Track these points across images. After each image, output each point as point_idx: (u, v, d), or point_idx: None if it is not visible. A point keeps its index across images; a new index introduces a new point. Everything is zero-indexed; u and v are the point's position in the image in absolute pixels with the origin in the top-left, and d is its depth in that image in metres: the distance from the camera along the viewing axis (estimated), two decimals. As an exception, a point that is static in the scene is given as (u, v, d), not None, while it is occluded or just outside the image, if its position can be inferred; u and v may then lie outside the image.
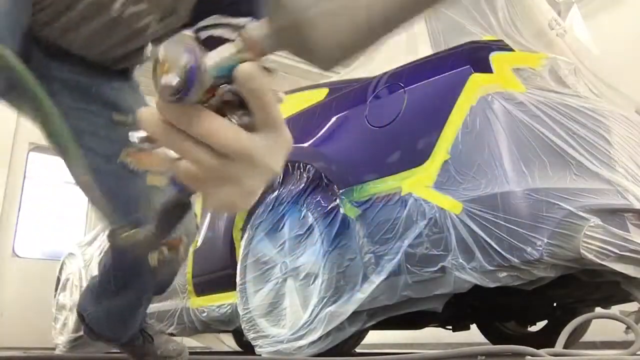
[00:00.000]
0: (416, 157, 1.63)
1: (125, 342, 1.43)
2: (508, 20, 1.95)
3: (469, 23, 1.86)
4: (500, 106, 1.52)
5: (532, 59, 1.68)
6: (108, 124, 1.23)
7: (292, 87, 2.88)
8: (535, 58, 1.69)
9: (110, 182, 1.15)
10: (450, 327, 2.65)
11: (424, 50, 1.96)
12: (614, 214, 1.44)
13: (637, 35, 3.32)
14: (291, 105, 2.43)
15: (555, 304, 2.45)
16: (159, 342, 1.45)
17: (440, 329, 2.73)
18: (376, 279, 1.62)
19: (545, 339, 2.60)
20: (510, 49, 1.68)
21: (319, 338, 1.76)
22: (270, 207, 2.12)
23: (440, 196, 1.55)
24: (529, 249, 1.41)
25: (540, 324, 2.67)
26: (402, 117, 1.71)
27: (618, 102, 1.80)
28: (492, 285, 1.48)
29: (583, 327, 2.54)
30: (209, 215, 2.49)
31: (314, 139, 1.99)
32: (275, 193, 2.11)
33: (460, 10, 1.94)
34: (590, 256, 1.40)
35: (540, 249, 1.39)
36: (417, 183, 1.60)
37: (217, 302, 2.35)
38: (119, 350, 1.52)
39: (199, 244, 2.51)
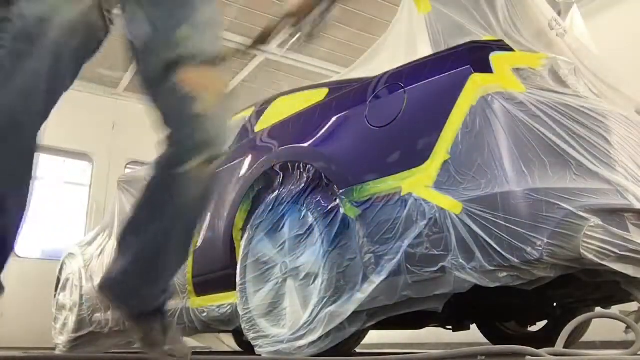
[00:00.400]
0: (416, 157, 1.63)
1: (150, 311, 1.40)
2: (508, 20, 1.95)
3: (469, 23, 1.86)
4: (500, 106, 1.52)
5: (532, 59, 1.68)
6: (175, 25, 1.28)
7: (292, 87, 2.89)
8: (535, 58, 1.69)
9: None
10: (450, 327, 2.66)
11: (424, 50, 1.96)
12: (613, 214, 1.44)
13: (637, 35, 3.32)
14: (291, 105, 2.43)
15: (555, 304, 2.45)
16: (170, 336, 1.44)
17: (440, 329, 2.73)
18: (376, 279, 1.62)
19: (545, 339, 2.60)
20: (511, 49, 1.68)
21: (319, 338, 1.76)
22: (270, 207, 2.12)
23: (440, 196, 1.55)
24: (529, 249, 1.40)
25: (541, 324, 2.68)
26: (402, 117, 1.71)
27: (618, 102, 1.80)
28: (492, 285, 1.48)
29: (583, 327, 2.54)
30: (208, 216, 2.49)
31: (314, 139, 1.99)
32: (275, 193, 2.11)
33: (460, 10, 1.93)
34: (590, 256, 1.40)
35: (540, 249, 1.39)
36: (417, 183, 1.60)
37: (217, 302, 2.35)
38: (118, 351, 1.51)
39: (198, 244, 2.51)
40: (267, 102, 2.74)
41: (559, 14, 2.18)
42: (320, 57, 6.22)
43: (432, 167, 1.58)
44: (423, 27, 1.99)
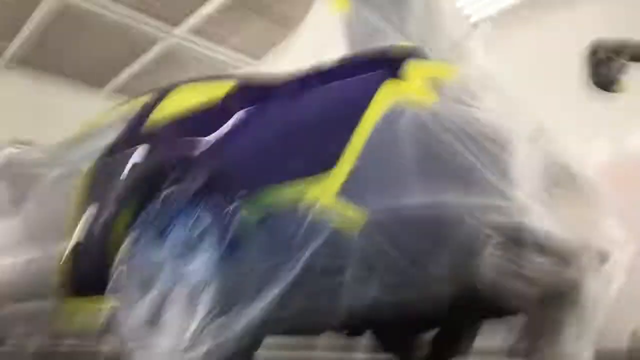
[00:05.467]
0: (322, 163, 1.53)
1: None
2: (424, 28, 1.92)
3: (387, 26, 1.80)
4: (412, 115, 1.46)
5: (447, 70, 1.65)
6: None
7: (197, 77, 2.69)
8: (450, 70, 1.66)
9: None
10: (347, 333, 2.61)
11: (339, 50, 1.87)
12: (514, 232, 1.44)
13: (543, 55, 3.51)
14: (192, 96, 2.24)
15: (454, 320, 2.48)
16: None
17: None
18: (272, 291, 1.51)
19: (435, 348, 2.64)
20: (427, 58, 1.64)
21: (208, 350, 1.62)
22: (161, 205, 1.92)
23: (345, 206, 1.47)
24: (432, 265, 1.37)
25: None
26: (311, 119, 1.61)
27: (521, 120, 1.83)
28: (393, 300, 1.43)
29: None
30: (89, 211, 2.23)
31: (215, 135, 1.82)
32: (168, 190, 1.91)
33: (378, 12, 1.87)
34: (490, 274, 1.39)
35: (443, 266, 1.36)
36: (322, 191, 1.51)
37: (94, 307, 2.11)
38: None
39: (74, 241, 2.25)
40: (165, 91, 2.50)
41: (469, 30, 2.18)
42: (232, 46, 6.00)
43: (338, 174, 1.49)
44: (339, 26, 1.90)
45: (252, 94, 1.89)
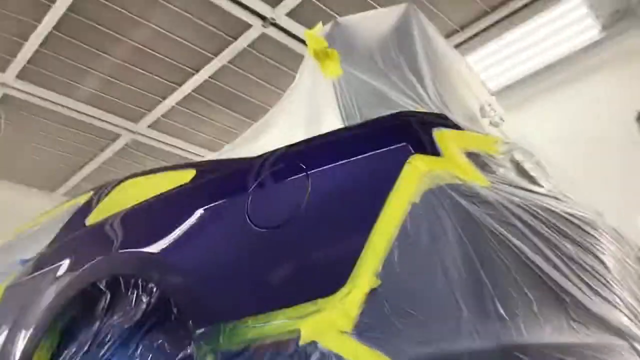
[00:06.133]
0: (324, 282, 1.01)
1: None
2: (437, 96, 1.50)
3: (393, 92, 1.37)
4: (457, 206, 0.97)
5: (486, 141, 1.20)
6: None
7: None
8: (490, 141, 1.21)
9: None
10: None
11: (332, 123, 1.42)
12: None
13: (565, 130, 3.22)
14: (141, 191, 1.73)
15: None
16: None
17: None
18: None
19: None
20: (457, 127, 1.19)
21: None
22: (87, 348, 1.33)
23: (364, 350, 0.93)
24: None
25: None
26: (303, 216, 1.10)
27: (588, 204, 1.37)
28: None
29: None
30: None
31: (164, 242, 1.29)
32: (96, 325, 1.34)
33: (380, 76, 1.45)
34: None
35: None
36: (326, 325, 0.97)
37: None
38: None
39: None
40: (110, 187, 1.97)
41: (488, 97, 1.78)
42: (199, 143, 5.59)
43: (350, 299, 0.96)
44: (330, 96, 1.47)
45: (218, 184, 1.39)
